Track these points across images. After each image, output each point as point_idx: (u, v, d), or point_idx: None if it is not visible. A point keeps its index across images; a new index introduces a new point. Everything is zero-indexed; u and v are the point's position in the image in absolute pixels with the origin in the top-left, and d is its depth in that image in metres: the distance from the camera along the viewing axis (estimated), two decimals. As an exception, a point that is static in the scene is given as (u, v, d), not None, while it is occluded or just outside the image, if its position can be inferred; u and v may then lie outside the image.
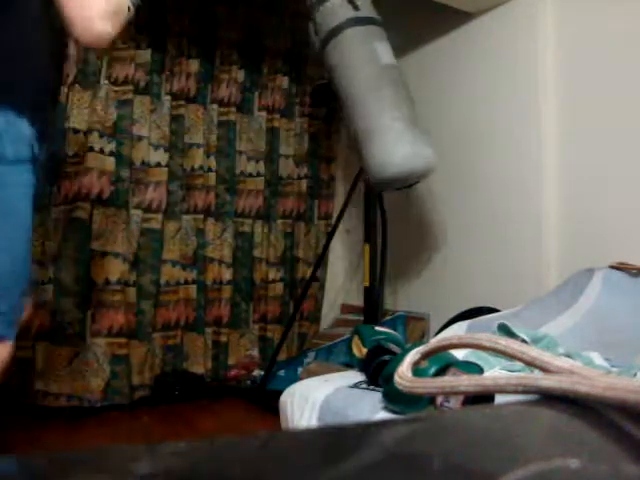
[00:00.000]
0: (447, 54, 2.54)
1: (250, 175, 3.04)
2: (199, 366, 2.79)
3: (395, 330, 1.93)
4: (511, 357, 0.30)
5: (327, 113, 3.19)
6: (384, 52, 2.24)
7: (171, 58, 2.81)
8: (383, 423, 0.24)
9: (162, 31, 2.78)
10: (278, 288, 3.07)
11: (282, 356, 2.83)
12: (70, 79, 2.45)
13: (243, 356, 2.94)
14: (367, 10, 2.28)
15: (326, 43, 2.27)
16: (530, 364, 0.29)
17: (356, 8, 2.22)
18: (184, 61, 2.84)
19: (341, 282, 3.22)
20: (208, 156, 2.90)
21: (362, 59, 2.22)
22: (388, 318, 2.61)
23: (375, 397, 1.05)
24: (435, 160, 2.11)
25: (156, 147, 2.73)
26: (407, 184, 2.30)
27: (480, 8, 2.34)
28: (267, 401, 2.27)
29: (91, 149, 2.51)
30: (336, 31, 2.23)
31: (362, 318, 2.42)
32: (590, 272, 1.71)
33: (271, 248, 3.07)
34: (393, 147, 2.09)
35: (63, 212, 2.47)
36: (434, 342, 0.37)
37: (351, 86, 2.23)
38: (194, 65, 2.86)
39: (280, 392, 1.33)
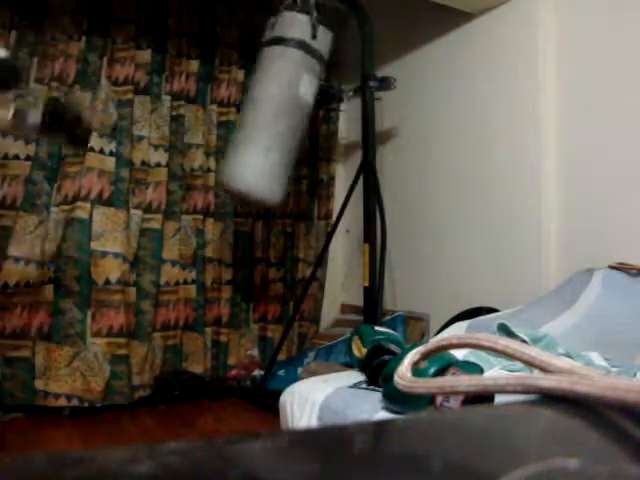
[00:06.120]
0: (447, 54, 2.54)
1: (250, 175, 3.04)
2: (199, 366, 2.79)
3: (395, 330, 1.93)
4: (511, 357, 0.30)
5: (326, 113, 3.19)
6: (307, 86, 2.26)
7: (171, 58, 2.80)
8: (383, 423, 0.24)
9: (162, 31, 2.78)
10: (278, 288, 3.07)
11: (282, 356, 2.83)
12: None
13: (243, 356, 2.94)
14: (321, 44, 2.30)
15: (268, 43, 2.30)
16: (529, 364, 0.29)
17: (314, 37, 2.25)
18: (184, 61, 2.84)
19: (341, 282, 3.22)
20: (208, 156, 2.90)
21: (284, 79, 2.25)
22: (388, 318, 2.60)
23: (375, 397, 1.05)
24: (282, 199, 2.32)
25: (156, 147, 2.73)
26: (252, 205, 2.50)
27: (480, 8, 2.34)
28: (267, 401, 2.27)
29: (91, 149, 2.51)
30: (281, 42, 2.26)
31: (362, 318, 2.42)
32: (590, 272, 1.71)
33: (271, 248, 3.07)
34: (250, 171, 2.22)
35: (63, 212, 2.47)
36: (434, 342, 0.37)
37: (258, 96, 2.26)
38: (194, 65, 2.86)
39: (280, 392, 1.32)
